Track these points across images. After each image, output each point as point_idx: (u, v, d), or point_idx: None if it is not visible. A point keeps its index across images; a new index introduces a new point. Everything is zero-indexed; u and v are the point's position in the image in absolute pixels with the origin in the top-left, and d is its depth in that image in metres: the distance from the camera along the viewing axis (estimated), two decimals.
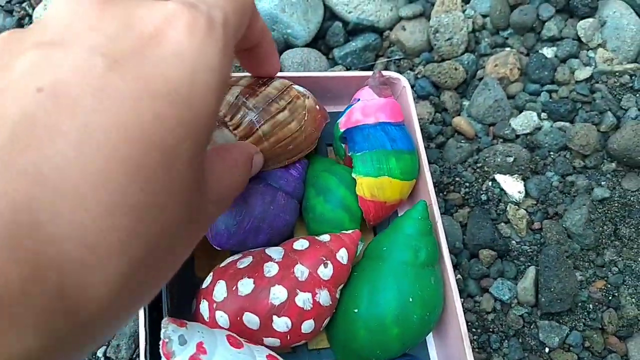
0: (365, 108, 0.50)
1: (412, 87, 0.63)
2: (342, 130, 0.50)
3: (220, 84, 0.20)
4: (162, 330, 0.35)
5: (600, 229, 0.55)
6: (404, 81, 0.54)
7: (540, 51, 0.64)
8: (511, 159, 0.57)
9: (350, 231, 0.45)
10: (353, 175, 0.48)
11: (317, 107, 0.51)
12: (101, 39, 0.17)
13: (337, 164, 0.51)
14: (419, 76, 0.63)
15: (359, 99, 0.51)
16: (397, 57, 0.65)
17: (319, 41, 0.65)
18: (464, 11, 0.67)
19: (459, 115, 0.62)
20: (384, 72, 0.54)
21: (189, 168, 0.19)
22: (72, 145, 0.15)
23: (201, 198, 0.21)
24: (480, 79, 0.63)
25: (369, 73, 0.53)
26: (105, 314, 0.16)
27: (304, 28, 0.62)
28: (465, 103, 0.63)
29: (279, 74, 0.52)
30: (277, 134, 0.46)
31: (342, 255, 0.43)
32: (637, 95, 0.60)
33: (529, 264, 0.53)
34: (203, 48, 0.19)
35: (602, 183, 0.57)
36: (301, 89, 0.51)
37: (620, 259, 0.54)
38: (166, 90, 0.17)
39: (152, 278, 0.19)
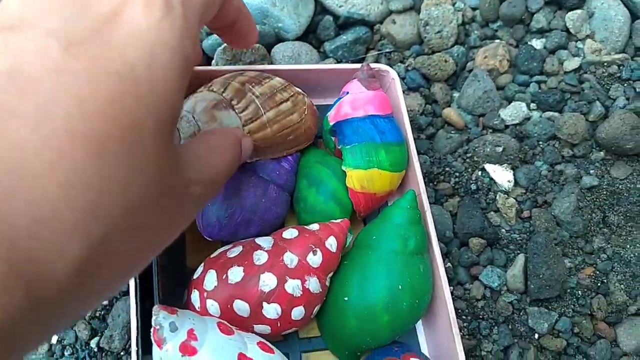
0: (354, 101, 0.51)
1: (403, 79, 0.63)
2: (331, 123, 0.51)
3: (181, 62, 0.20)
4: (153, 317, 0.35)
5: (589, 216, 0.55)
6: (392, 73, 0.55)
7: (529, 43, 0.64)
8: (500, 149, 0.57)
9: (339, 220, 0.46)
10: (343, 167, 0.48)
11: (314, 107, 0.52)
12: (58, 22, 0.18)
13: (330, 156, 0.52)
14: (409, 68, 0.64)
15: (347, 92, 0.52)
16: (387, 50, 0.66)
17: (310, 35, 0.65)
18: (453, 4, 0.67)
19: (449, 106, 0.62)
20: (373, 65, 0.54)
21: (154, 145, 0.19)
22: (30, 125, 0.16)
23: (177, 177, 0.21)
24: (470, 71, 0.63)
25: (358, 66, 0.53)
26: (65, 293, 0.16)
27: (294, 22, 0.62)
28: (456, 94, 0.63)
29: (272, 67, 0.53)
30: (280, 122, 0.47)
31: (331, 243, 0.43)
32: (625, 85, 0.61)
33: (519, 251, 0.54)
34: (161, 27, 0.19)
35: (591, 171, 0.57)
36: (297, 88, 0.52)
37: (609, 245, 0.55)
38: (124, 70, 0.18)
39: (120, 259, 0.19)
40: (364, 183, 0.48)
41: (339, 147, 0.49)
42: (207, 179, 0.25)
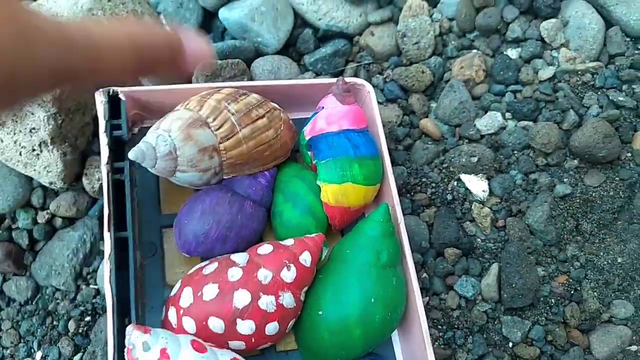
0: (329, 116, 0.52)
1: (382, 90, 0.64)
2: (307, 138, 0.52)
3: None
4: (127, 337, 0.36)
5: (562, 224, 0.56)
6: (368, 87, 0.56)
7: (505, 52, 0.65)
8: (475, 159, 0.58)
9: (314, 235, 0.47)
10: (317, 182, 0.49)
11: (290, 122, 0.53)
12: None
13: (307, 170, 0.53)
14: (387, 80, 0.65)
15: (323, 107, 0.53)
16: (366, 62, 0.67)
17: (290, 48, 0.66)
18: (431, 15, 0.68)
19: (427, 117, 0.63)
20: (348, 79, 0.55)
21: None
22: None
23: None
24: (447, 81, 0.64)
25: (334, 80, 0.54)
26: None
27: (273, 36, 0.63)
28: (433, 105, 0.64)
29: (249, 83, 0.54)
30: (256, 138, 0.49)
31: (305, 258, 0.45)
32: (599, 92, 0.62)
33: (493, 260, 0.55)
34: None
35: (565, 180, 0.58)
36: (274, 104, 0.53)
37: (582, 253, 0.56)
38: None
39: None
40: (338, 197, 0.49)
41: (314, 162, 0.50)
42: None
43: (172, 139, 0.45)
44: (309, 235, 0.47)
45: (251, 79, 0.62)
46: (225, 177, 0.49)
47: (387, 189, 0.52)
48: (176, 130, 0.45)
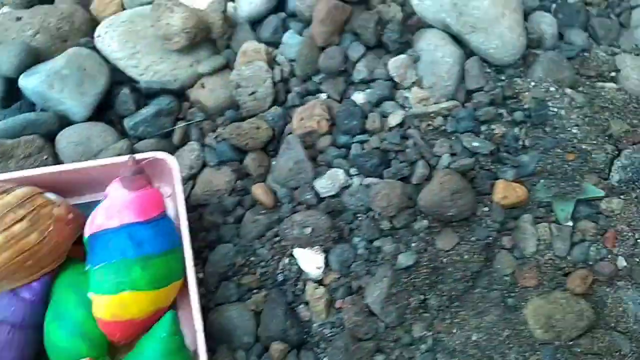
0: (110, 208, 0.44)
1: (215, 150, 0.57)
2: (85, 236, 0.44)
3: None
4: None
5: (406, 302, 0.49)
6: (170, 161, 0.48)
7: (351, 97, 0.58)
8: (309, 230, 0.51)
9: None
10: (88, 294, 0.42)
11: (71, 215, 0.45)
12: None
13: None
14: (219, 139, 0.57)
15: (106, 196, 0.45)
16: (198, 119, 0.59)
17: (109, 111, 0.58)
18: (273, 57, 0.60)
19: (263, 181, 0.56)
20: (145, 155, 0.48)
21: None
22: None
23: None
24: (291, 134, 0.57)
25: (126, 159, 0.47)
26: None
27: (78, 102, 0.55)
28: (274, 163, 0.57)
29: (19, 173, 0.47)
30: (13, 247, 0.41)
31: None
32: (452, 138, 0.55)
33: (331, 349, 0.48)
34: None
35: (413, 245, 0.51)
36: (53, 196, 0.46)
37: (429, 333, 0.49)
38: None
39: None
40: (115, 310, 0.41)
41: (87, 269, 0.43)
42: None
43: None
44: None
45: (55, 156, 0.54)
46: None
47: (190, 285, 0.44)
48: None
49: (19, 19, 0.60)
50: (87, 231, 0.44)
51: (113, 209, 0.44)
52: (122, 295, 0.41)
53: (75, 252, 0.46)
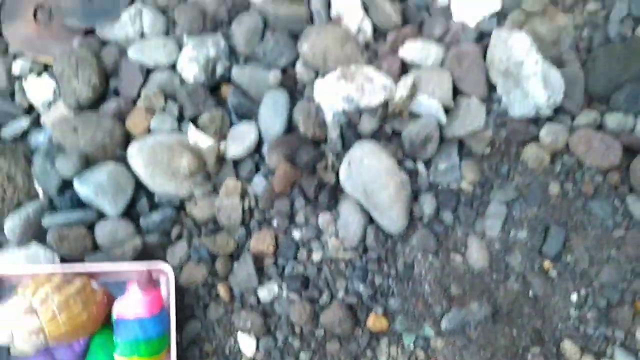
0: (130, 304, 0.74)
1: (198, 251, 0.86)
2: (113, 317, 0.74)
3: None
4: None
5: None
6: (169, 274, 0.78)
7: (292, 233, 0.87)
8: (249, 323, 0.82)
9: None
10: (114, 354, 0.73)
11: (105, 299, 0.75)
12: None
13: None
14: (200, 245, 0.87)
15: (128, 290, 0.75)
16: (189, 226, 0.88)
17: (132, 209, 0.86)
18: (246, 190, 0.89)
19: (227, 279, 0.86)
20: (154, 266, 0.77)
21: None
22: None
23: None
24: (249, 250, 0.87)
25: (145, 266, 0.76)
26: None
27: (112, 207, 0.83)
28: (236, 266, 0.87)
29: (75, 268, 0.75)
30: (72, 322, 0.71)
31: None
32: (347, 279, 0.86)
33: None
34: None
35: (312, 345, 0.84)
36: (96, 285, 0.75)
37: None
38: None
39: None
40: None
41: (115, 339, 0.73)
42: None
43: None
44: None
45: (93, 240, 0.83)
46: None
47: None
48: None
49: (75, 130, 0.86)
50: (114, 314, 0.74)
51: (130, 305, 0.74)
52: (133, 358, 0.72)
53: (106, 319, 0.76)
